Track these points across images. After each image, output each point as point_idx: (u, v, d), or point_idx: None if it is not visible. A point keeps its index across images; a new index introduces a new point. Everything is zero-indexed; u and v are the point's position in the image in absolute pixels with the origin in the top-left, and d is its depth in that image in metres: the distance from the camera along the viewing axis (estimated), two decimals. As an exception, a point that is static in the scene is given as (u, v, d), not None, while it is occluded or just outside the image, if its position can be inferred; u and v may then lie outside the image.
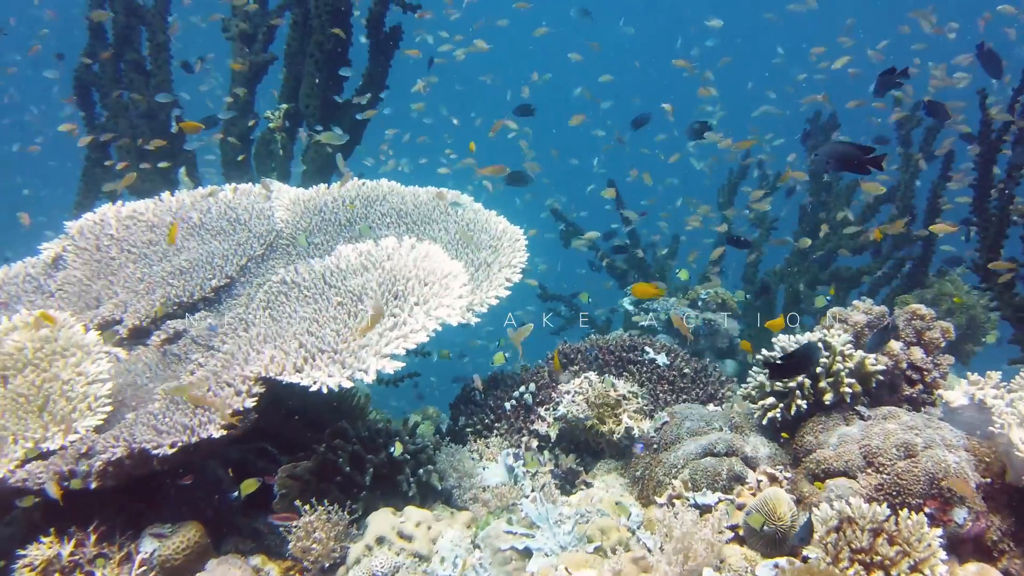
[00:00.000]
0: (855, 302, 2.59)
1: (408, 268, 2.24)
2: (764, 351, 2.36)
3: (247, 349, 2.08)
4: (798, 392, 2.26)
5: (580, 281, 6.12)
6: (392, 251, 2.32)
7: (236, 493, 2.10)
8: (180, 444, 1.90)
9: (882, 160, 2.36)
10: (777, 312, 5.19)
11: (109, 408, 2.12)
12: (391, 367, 2.03)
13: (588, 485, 2.34)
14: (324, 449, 2.23)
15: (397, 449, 2.15)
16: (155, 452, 1.89)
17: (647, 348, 2.81)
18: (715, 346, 5.00)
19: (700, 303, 5.17)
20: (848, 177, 5.25)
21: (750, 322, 5.18)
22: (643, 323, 5.07)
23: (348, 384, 1.97)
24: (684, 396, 2.66)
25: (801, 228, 5.14)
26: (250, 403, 1.97)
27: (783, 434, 2.28)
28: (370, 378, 1.99)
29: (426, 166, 8.04)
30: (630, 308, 5.15)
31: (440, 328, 2.16)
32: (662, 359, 2.77)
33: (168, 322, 2.63)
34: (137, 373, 2.49)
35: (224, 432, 1.93)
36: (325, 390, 1.95)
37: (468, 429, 2.60)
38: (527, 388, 2.65)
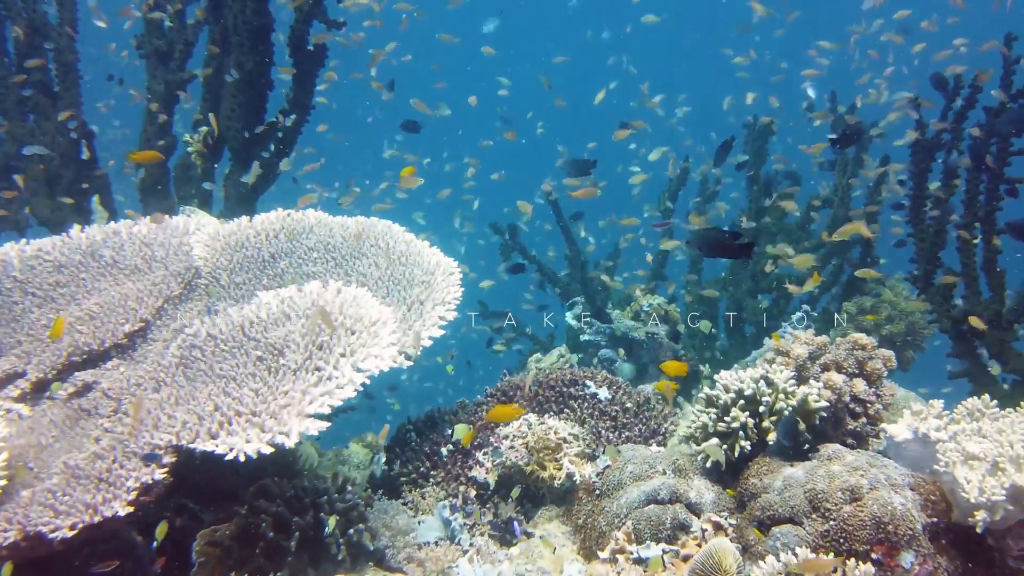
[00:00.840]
0: (796, 332, 2.54)
1: (334, 316, 2.11)
2: (707, 390, 2.30)
3: (157, 413, 1.93)
4: (741, 432, 2.19)
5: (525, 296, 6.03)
6: (317, 297, 2.18)
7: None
8: (81, 525, 1.74)
9: (751, 249, 2.47)
10: (720, 321, 5.18)
11: (3, 483, 1.94)
12: (315, 428, 1.90)
13: (529, 535, 2.24)
14: (246, 512, 2.08)
15: (330, 525, 2.01)
16: (52, 536, 1.73)
17: (588, 382, 2.73)
18: (658, 360, 4.96)
19: (643, 315, 5.13)
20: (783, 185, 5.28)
21: (693, 332, 5.17)
22: (585, 337, 5.01)
23: (268, 450, 1.83)
24: (627, 432, 2.58)
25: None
26: (160, 475, 1.82)
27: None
28: (292, 441, 1.86)
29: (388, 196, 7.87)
30: (573, 323, 5.08)
31: (368, 381, 2.03)
32: (603, 393, 2.69)
33: (76, 374, 2.45)
34: (42, 431, 2.31)
35: (131, 509, 1.78)
36: (243, 458, 1.81)
37: (403, 479, 2.48)
38: (465, 430, 2.54)
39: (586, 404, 2.65)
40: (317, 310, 2.07)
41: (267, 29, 3.19)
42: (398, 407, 8.31)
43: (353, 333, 2.07)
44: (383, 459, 2.68)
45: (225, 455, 1.81)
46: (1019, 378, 3.21)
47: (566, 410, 2.63)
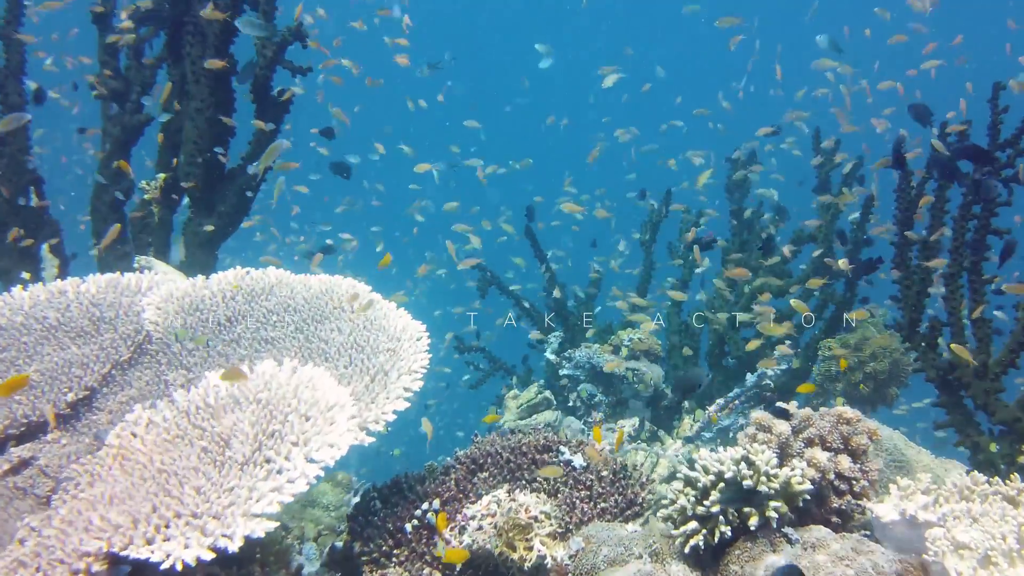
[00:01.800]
0: (779, 403, 2.43)
1: (288, 400, 1.97)
2: (685, 470, 2.17)
3: (89, 514, 1.78)
4: (721, 517, 2.07)
5: (504, 330, 5.90)
6: (270, 378, 2.05)
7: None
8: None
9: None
10: (702, 354, 5.07)
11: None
12: (262, 529, 1.76)
13: (497, 627, 2.11)
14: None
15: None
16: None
17: (563, 448, 2.60)
18: (640, 395, 4.85)
19: (623, 349, 5.02)
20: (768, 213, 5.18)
21: (675, 364, 5.06)
22: (564, 372, 4.89)
23: (209, 555, 1.69)
24: (602, 503, 2.46)
25: (724, 269, 5.01)
26: (90, 589, 1.67)
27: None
28: (235, 545, 1.72)
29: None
30: (552, 358, 4.96)
31: (323, 473, 1.90)
32: (579, 460, 2.56)
33: (12, 448, 2.29)
34: (-26, 517, 2.15)
35: (58, 627, 1.63)
36: (180, 566, 1.67)
37: (364, 558, 2.34)
38: (431, 505, 2.41)
39: (561, 471, 2.52)
40: (269, 395, 1.93)
41: (228, 74, 3.05)
42: (398, 452, 8.13)
43: (308, 419, 1.94)
44: (346, 532, 2.55)
45: (161, 563, 1.67)
46: (1006, 428, 3.12)
47: (538, 479, 2.50)
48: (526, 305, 4.99)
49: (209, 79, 3.04)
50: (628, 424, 4.53)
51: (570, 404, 4.74)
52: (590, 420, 4.58)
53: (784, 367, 4.43)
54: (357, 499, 2.71)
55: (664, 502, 2.22)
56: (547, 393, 4.70)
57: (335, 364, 2.36)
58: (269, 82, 3.15)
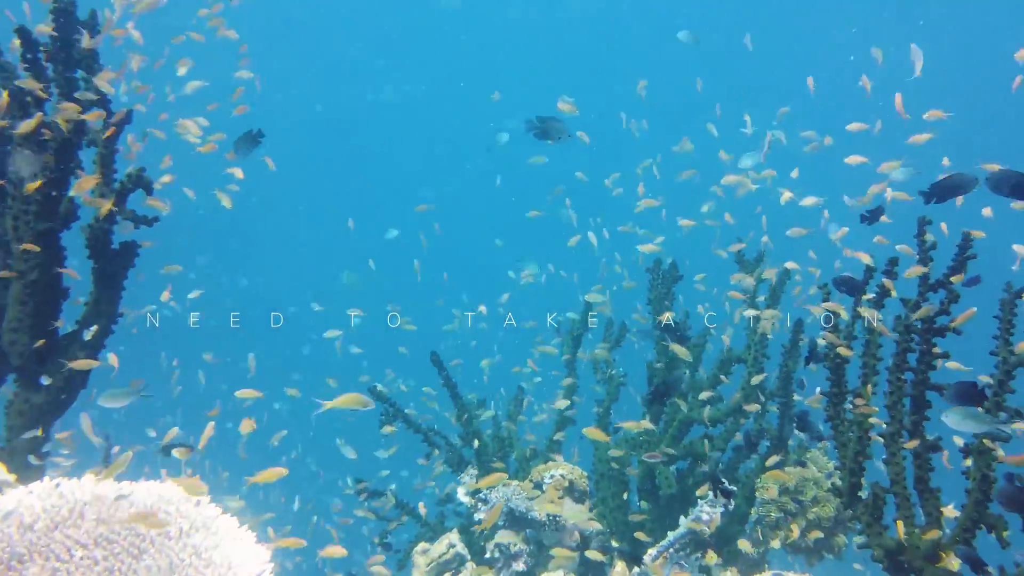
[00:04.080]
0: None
1: None
2: None
3: None
4: None
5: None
6: None
7: None
8: None
9: None
10: (632, 497, 4.63)
11: None
12: None
13: None
14: None
15: None
16: None
17: None
18: (564, 544, 4.40)
19: (545, 486, 4.58)
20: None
21: (603, 498, 4.62)
22: (480, 516, 4.43)
23: None
24: None
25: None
26: None
27: None
28: None
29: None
30: (466, 500, 4.49)
31: None
32: None
33: None
34: None
35: None
36: None
37: None
38: None
39: None
40: None
41: (54, 232, 2.61)
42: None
43: None
44: None
45: None
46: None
47: None
48: (437, 439, 4.53)
49: (33, 235, 2.59)
50: (553, 580, 4.08)
51: (487, 555, 4.25)
52: (509, 577, 4.11)
53: (720, 509, 4.06)
54: None
55: None
56: (459, 547, 4.21)
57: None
58: (108, 235, 2.71)
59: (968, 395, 2.70)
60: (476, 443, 4.24)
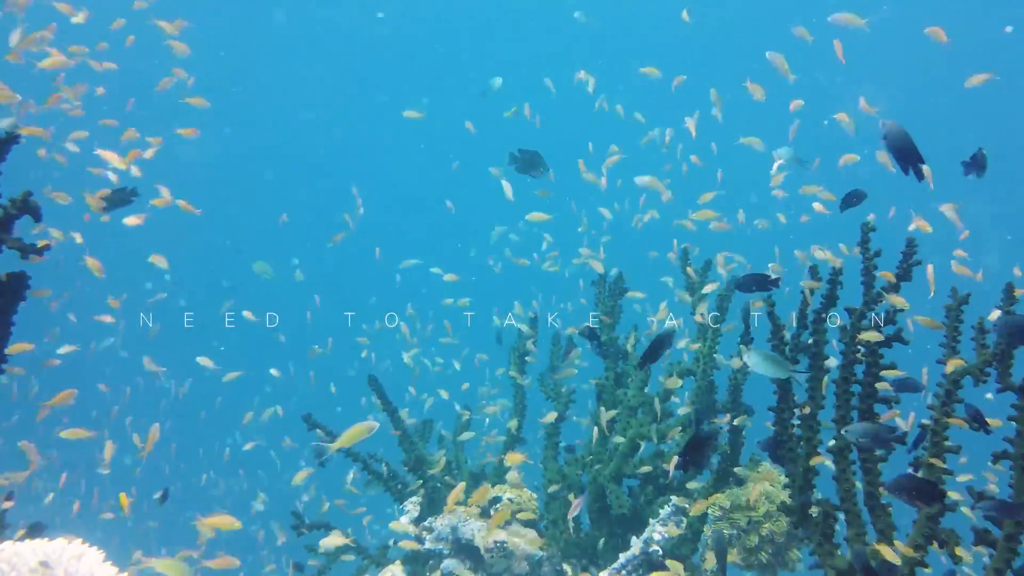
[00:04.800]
0: None
1: None
2: None
3: None
4: None
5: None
6: None
7: None
8: None
9: None
10: (584, 508, 4.47)
11: None
12: None
13: None
14: None
15: None
16: None
17: None
18: (513, 572, 4.23)
19: (493, 512, 4.38)
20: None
21: (554, 519, 4.44)
22: (426, 547, 4.23)
23: None
24: None
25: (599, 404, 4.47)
26: None
27: None
28: None
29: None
30: (410, 530, 4.29)
31: None
32: None
33: None
34: None
35: None
36: None
37: None
38: None
39: None
40: None
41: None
42: None
43: None
44: None
45: None
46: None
47: None
48: (378, 469, 4.32)
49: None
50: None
51: (434, 587, 4.06)
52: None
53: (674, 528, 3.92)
54: None
55: None
56: (404, 579, 4.01)
57: None
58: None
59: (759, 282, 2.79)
60: (421, 469, 4.04)
